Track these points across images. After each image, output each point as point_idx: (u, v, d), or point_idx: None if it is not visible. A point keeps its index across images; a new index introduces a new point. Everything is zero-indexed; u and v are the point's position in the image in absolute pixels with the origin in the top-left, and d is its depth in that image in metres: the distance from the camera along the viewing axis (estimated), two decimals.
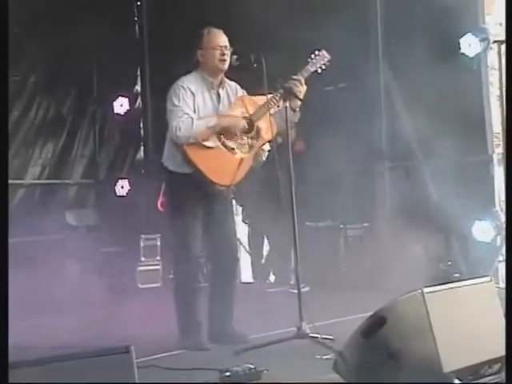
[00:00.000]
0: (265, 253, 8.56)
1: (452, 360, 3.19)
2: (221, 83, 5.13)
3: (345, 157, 7.84)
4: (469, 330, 3.36)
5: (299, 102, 4.99)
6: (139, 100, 9.78)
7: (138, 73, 9.76)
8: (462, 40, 7.01)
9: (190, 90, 5.02)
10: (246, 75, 5.09)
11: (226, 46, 5.05)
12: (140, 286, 8.14)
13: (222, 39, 5.07)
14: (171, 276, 7.89)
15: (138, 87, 9.76)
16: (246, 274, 8.58)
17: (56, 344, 5.06)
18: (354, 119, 7.71)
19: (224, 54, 5.02)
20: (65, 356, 2.52)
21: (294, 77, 5.00)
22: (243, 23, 7.08)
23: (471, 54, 7.00)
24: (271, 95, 5.00)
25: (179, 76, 5.20)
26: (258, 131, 5.05)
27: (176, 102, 4.99)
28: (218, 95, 5.13)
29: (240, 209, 8.55)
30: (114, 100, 9.51)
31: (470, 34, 6.99)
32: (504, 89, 5.63)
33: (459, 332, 3.31)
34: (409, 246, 7.40)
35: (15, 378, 2.47)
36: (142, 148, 9.81)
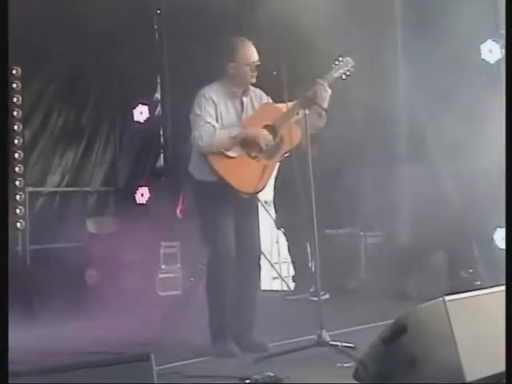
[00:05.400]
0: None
1: (474, 369, 3.16)
2: (244, 91, 5.13)
3: (365, 163, 7.82)
4: (491, 338, 3.32)
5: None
6: (159, 108, 9.79)
7: (158, 80, 9.77)
8: (482, 46, 6.99)
9: (212, 99, 5.02)
10: (266, 82, 5.09)
11: (257, 60, 5.06)
12: (160, 293, 8.14)
13: (255, 55, 5.07)
14: (191, 281, 7.98)
15: (157, 95, 9.76)
16: (265, 281, 8.56)
17: (77, 350, 5.08)
18: (374, 126, 7.68)
19: (256, 71, 5.04)
20: (85, 363, 2.53)
21: (318, 80, 5.02)
22: (263, 30, 7.07)
23: (492, 61, 6.98)
24: (294, 103, 4.99)
25: (199, 84, 5.21)
26: (282, 138, 5.03)
27: (198, 112, 5.00)
28: (242, 103, 5.12)
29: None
30: (134, 108, 9.53)
31: (490, 40, 6.96)
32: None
33: (481, 340, 3.28)
34: (429, 254, 7.37)
35: None
36: (161, 156, 9.81)
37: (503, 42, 6.90)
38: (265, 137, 4.97)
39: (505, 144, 3.56)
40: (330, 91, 5.04)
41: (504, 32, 6.81)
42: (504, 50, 6.90)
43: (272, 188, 7.87)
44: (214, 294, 5.08)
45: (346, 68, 5.15)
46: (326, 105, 5.03)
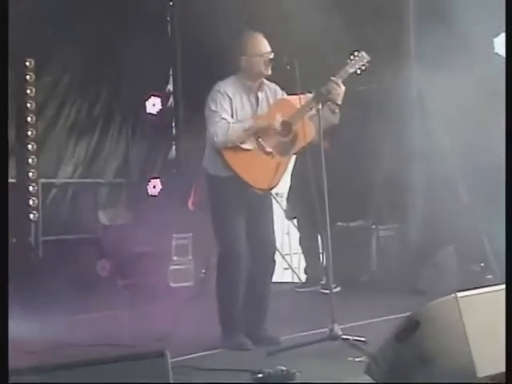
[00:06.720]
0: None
1: (486, 365, 3.17)
2: (260, 86, 5.10)
3: (376, 157, 7.81)
4: (503, 334, 3.33)
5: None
6: (171, 100, 9.81)
7: (171, 72, 9.78)
8: (496, 40, 6.96)
9: (227, 94, 4.99)
10: (279, 77, 5.08)
11: (269, 52, 5.03)
12: (172, 285, 8.16)
13: (266, 45, 5.04)
14: (202, 274, 8.00)
15: (170, 87, 9.78)
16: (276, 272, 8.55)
17: (90, 342, 5.10)
18: (386, 119, 7.67)
19: (269, 63, 4.99)
20: (99, 359, 2.54)
21: (332, 78, 4.98)
22: (276, 23, 7.06)
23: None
24: (309, 99, 4.96)
25: (211, 75, 5.21)
26: (296, 134, 4.99)
27: (213, 108, 4.98)
28: (257, 98, 5.09)
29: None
30: (147, 100, 9.56)
31: (503, 34, 6.92)
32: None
33: (494, 337, 3.27)
34: (441, 247, 7.36)
35: (50, 380, 2.49)
36: (173, 147, 9.83)
37: None
38: (278, 121, 4.96)
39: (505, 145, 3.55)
40: (343, 88, 4.99)
41: None
42: None
43: (285, 180, 7.86)
44: (223, 290, 5.09)
45: (361, 63, 5.05)
46: (340, 101, 4.99)
